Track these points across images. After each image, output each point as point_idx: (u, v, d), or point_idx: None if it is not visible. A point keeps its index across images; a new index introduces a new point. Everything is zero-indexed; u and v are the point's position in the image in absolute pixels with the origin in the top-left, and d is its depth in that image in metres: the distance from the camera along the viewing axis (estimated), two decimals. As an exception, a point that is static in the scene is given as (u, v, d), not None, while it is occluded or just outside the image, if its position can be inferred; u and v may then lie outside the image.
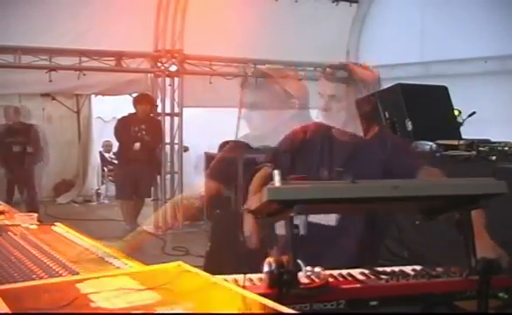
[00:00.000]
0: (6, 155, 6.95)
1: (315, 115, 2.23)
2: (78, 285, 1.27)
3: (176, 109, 7.72)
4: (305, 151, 2.22)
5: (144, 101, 7.17)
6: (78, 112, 10.31)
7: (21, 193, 7.10)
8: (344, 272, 1.64)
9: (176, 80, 7.68)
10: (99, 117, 10.40)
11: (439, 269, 1.64)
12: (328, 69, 2.08)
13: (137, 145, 7.04)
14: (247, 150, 7.30)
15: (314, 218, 2.07)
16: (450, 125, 4.92)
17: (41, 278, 1.40)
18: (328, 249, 2.07)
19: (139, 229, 7.21)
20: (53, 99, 9.59)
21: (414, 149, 2.45)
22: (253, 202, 1.55)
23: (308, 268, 1.47)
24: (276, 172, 1.48)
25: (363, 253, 2.10)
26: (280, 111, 2.09)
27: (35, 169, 7.29)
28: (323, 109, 2.09)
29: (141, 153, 7.05)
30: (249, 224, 2.14)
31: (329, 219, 2.11)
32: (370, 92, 2.08)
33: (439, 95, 5.15)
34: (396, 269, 1.69)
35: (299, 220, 1.44)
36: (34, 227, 2.10)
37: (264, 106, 2.07)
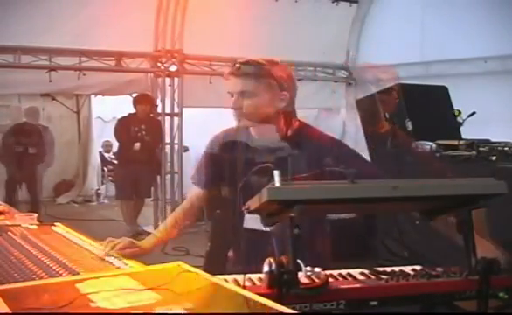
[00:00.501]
0: (19, 155, 6.97)
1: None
2: (78, 285, 1.27)
3: (176, 109, 7.72)
4: (224, 160, 2.11)
5: (144, 101, 7.17)
6: (78, 112, 10.31)
7: (30, 193, 7.12)
8: (344, 272, 1.64)
9: (176, 80, 7.67)
10: (99, 117, 10.41)
11: (439, 270, 1.64)
12: (236, 65, 2.00)
13: (137, 145, 7.04)
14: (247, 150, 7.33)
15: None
16: (450, 125, 4.93)
17: (41, 278, 1.41)
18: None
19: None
20: (53, 99, 9.59)
21: (342, 142, 2.24)
22: (253, 202, 1.54)
23: (308, 268, 1.47)
24: (276, 172, 1.48)
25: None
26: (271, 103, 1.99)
27: (39, 169, 7.30)
28: (234, 108, 2.01)
29: (141, 153, 7.05)
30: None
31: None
32: (284, 88, 2.01)
33: (439, 95, 5.15)
34: (396, 269, 1.69)
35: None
36: (34, 227, 2.11)
37: (254, 96, 1.98)
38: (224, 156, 2.11)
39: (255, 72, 1.96)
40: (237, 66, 1.99)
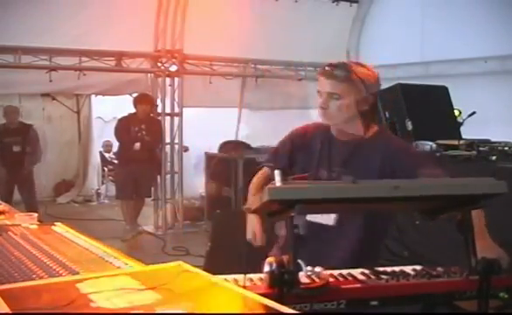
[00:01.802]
0: (6, 155, 6.93)
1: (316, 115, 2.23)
2: (78, 285, 1.27)
3: (176, 109, 7.72)
4: (304, 151, 2.22)
5: (144, 101, 7.16)
6: (78, 112, 10.31)
7: (21, 194, 7.08)
8: (345, 272, 1.64)
9: (176, 80, 7.68)
10: (99, 117, 10.41)
11: (440, 269, 1.64)
12: (327, 67, 2.08)
13: (137, 145, 7.03)
14: (247, 150, 7.32)
15: (313, 218, 2.07)
16: (450, 125, 4.92)
17: (41, 278, 1.40)
18: (327, 249, 2.07)
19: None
20: (53, 99, 9.59)
21: (416, 149, 2.42)
22: (254, 202, 1.55)
23: (309, 268, 1.47)
24: (277, 172, 1.48)
25: (362, 253, 2.10)
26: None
27: (34, 169, 7.27)
28: (321, 107, 2.08)
29: (142, 153, 7.04)
30: (252, 224, 2.14)
31: (328, 219, 2.11)
32: (370, 92, 2.08)
33: (439, 95, 5.15)
34: (396, 269, 1.69)
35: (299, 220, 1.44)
36: (34, 226, 2.11)
37: (340, 98, 2.07)
38: (304, 147, 2.21)
39: (344, 75, 2.03)
40: (328, 68, 2.07)
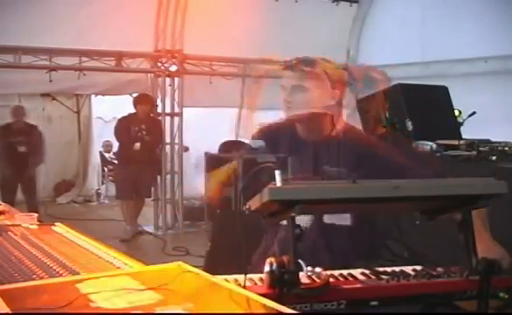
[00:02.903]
0: (11, 155, 6.93)
1: None
2: (78, 285, 1.26)
3: (176, 109, 7.72)
4: (272, 151, 2.14)
5: (144, 101, 7.17)
6: (78, 112, 10.32)
7: (24, 194, 7.08)
8: (345, 272, 1.64)
9: (176, 80, 7.68)
10: (99, 117, 10.42)
11: (440, 270, 1.64)
12: (291, 61, 2.05)
13: (137, 145, 7.04)
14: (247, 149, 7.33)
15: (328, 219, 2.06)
16: (450, 125, 4.92)
17: (41, 278, 1.40)
18: (343, 250, 2.06)
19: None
20: (53, 99, 9.60)
21: (385, 143, 2.33)
22: (254, 203, 1.55)
23: (309, 268, 1.47)
24: (277, 172, 1.48)
25: (371, 250, 2.10)
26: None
27: (36, 169, 7.27)
28: (285, 101, 2.05)
29: (142, 153, 7.04)
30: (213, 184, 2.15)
31: (345, 219, 2.09)
32: (335, 87, 2.04)
33: (440, 95, 5.14)
34: (396, 269, 1.69)
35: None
36: (34, 227, 2.10)
37: (305, 90, 2.03)
38: (267, 147, 2.13)
39: (309, 68, 2.00)
40: (293, 61, 2.04)
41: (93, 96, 9.46)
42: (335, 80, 2.03)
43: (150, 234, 7.49)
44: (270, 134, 2.18)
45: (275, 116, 2.37)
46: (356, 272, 1.64)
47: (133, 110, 7.20)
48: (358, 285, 1.53)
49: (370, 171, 1.93)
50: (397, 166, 1.98)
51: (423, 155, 4.18)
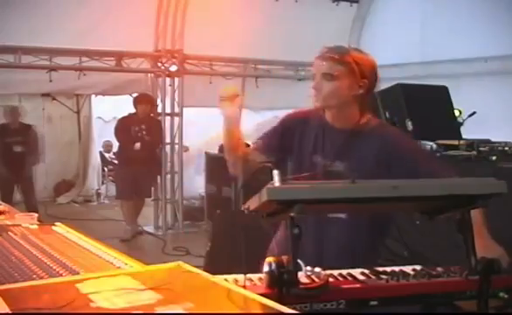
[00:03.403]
0: (6, 155, 6.93)
1: None
2: (78, 285, 1.27)
3: (176, 109, 7.72)
4: (297, 136, 2.18)
5: (144, 101, 7.17)
6: (78, 112, 10.32)
7: (21, 194, 7.08)
8: (344, 272, 1.64)
9: (177, 80, 7.68)
10: (99, 117, 10.42)
11: (440, 269, 1.64)
12: (323, 49, 2.06)
13: (137, 145, 7.04)
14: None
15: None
16: (450, 125, 4.92)
17: (41, 278, 1.40)
18: (338, 242, 2.07)
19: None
20: (53, 99, 9.60)
21: (415, 142, 2.39)
22: (252, 203, 1.55)
23: (308, 268, 1.47)
24: (276, 172, 1.48)
25: (370, 246, 2.10)
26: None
27: (34, 169, 7.27)
28: (314, 88, 2.05)
29: (142, 153, 7.05)
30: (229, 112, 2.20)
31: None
32: (365, 76, 2.05)
33: (440, 95, 5.14)
34: (396, 269, 1.69)
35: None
36: (34, 227, 2.11)
37: (335, 79, 2.04)
38: (297, 132, 2.18)
39: (339, 56, 2.01)
40: (324, 49, 2.05)
41: (93, 96, 9.46)
42: (365, 70, 2.03)
43: (150, 234, 7.49)
44: (296, 120, 2.21)
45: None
46: (356, 272, 1.64)
47: (133, 110, 7.20)
48: (358, 285, 1.54)
49: (397, 171, 1.93)
50: (425, 171, 1.98)
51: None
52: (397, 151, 2.05)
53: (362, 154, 2.04)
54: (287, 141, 2.19)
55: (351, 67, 2.01)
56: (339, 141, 2.08)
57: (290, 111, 2.29)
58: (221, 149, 7.77)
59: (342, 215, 2.07)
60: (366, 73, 2.04)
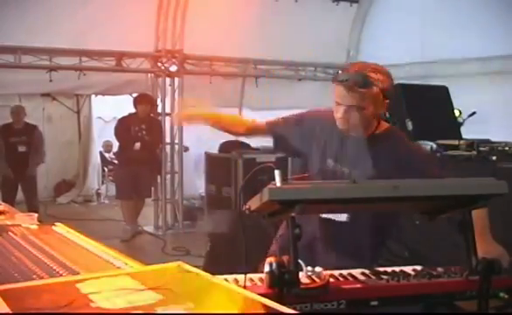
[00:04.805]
0: (11, 155, 6.93)
1: None
2: (78, 285, 1.27)
3: (176, 109, 7.71)
4: (313, 134, 2.19)
5: (144, 101, 7.17)
6: (78, 112, 10.32)
7: (24, 194, 7.08)
8: (345, 272, 1.64)
9: (177, 80, 7.68)
10: (99, 117, 10.41)
11: (440, 270, 1.64)
12: (344, 77, 2.01)
13: (137, 145, 7.04)
14: (247, 150, 7.33)
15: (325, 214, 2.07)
16: (450, 125, 4.92)
17: (41, 278, 1.40)
18: (339, 246, 2.07)
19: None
20: (53, 99, 9.60)
21: (427, 153, 2.42)
22: (254, 202, 1.55)
23: (309, 268, 1.47)
24: (277, 172, 1.48)
25: (372, 250, 2.10)
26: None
27: (30, 168, 7.27)
28: (342, 119, 2.04)
29: (142, 153, 7.04)
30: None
31: (341, 215, 2.10)
32: (387, 97, 2.05)
33: (440, 95, 5.15)
34: (396, 269, 1.69)
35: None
36: (34, 227, 2.10)
37: (361, 109, 2.05)
38: (311, 132, 2.20)
39: (363, 86, 1.99)
40: (346, 78, 2.01)
41: (93, 96, 9.45)
42: (386, 90, 2.04)
43: (150, 234, 7.49)
44: (310, 120, 2.24)
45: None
46: (356, 272, 1.64)
47: (133, 110, 7.20)
48: (358, 285, 1.54)
49: (405, 176, 1.94)
50: (431, 177, 1.98)
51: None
52: (410, 161, 2.07)
53: (375, 162, 2.05)
54: (299, 140, 2.22)
55: (375, 94, 2.00)
56: (354, 147, 2.10)
57: (311, 110, 2.31)
58: (221, 149, 7.82)
59: (345, 218, 2.08)
60: (388, 93, 2.05)
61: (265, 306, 1.15)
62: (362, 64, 2.09)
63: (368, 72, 2.01)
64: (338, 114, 2.05)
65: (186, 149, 8.07)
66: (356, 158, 2.07)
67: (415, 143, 2.41)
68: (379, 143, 2.09)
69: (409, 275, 1.61)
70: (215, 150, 7.85)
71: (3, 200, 4.01)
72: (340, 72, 2.12)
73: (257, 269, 1.61)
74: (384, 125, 2.16)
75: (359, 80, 1.99)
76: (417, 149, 2.35)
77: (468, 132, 4.88)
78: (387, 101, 2.05)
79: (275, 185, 1.46)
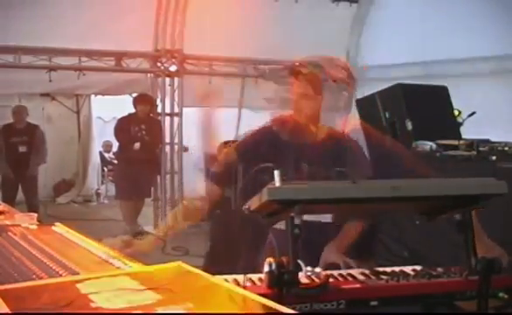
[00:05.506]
0: (11, 155, 6.92)
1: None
2: (78, 285, 1.27)
3: (176, 109, 7.72)
4: (254, 154, 2.22)
5: (144, 101, 7.17)
6: (78, 112, 10.31)
7: (25, 194, 7.08)
8: (344, 272, 1.64)
9: (176, 80, 7.68)
10: (99, 117, 10.41)
11: (440, 270, 1.64)
12: (300, 68, 2.06)
13: (137, 145, 7.04)
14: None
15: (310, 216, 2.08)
16: (450, 125, 4.92)
17: (41, 278, 1.40)
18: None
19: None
20: (53, 99, 9.59)
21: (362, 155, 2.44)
22: (254, 202, 1.55)
23: (309, 268, 1.47)
24: (276, 172, 1.48)
25: (360, 246, 2.11)
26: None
27: (31, 168, 7.27)
28: (295, 109, 2.08)
29: (141, 153, 7.04)
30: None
31: (326, 216, 2.12)
32: (342, 91, 2.08)
33: (439, 95, 5.14)
34: (396, 269, 1.69)
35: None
36: (34, 227, 2.10)
37: (313, 98, 2.05)
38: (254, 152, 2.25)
39: (315, 76, 2.02)
40: (298, 68, 2.05)
41: (92, 96, 9.45)
42: (342, 83, 2.06)
43: (150, 234, 7.48)
44: (287, 128, 2.22)
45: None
46: (356, 272, 1.64)
47: (133, 110, 7.20)
48: (358, 285, 1.54)
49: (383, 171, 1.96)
50: (407, 170, 2.01)
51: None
52: (380, 151, 2.11)
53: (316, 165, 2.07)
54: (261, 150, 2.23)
55: (328, 85, 2.03)
56: (290, 155, 2.11)
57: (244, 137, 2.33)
58: (220, 148, 7.81)
59: (329, 219, 2.10)
60: (343, 85, 2.08)
61: (264, 306, 1.15)
62: (320, 58, 2.13)
63: (322, 64, 2.07)
64: (292, 104, 2.09)
65: (186, 149, 8.07)
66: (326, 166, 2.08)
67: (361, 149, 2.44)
68: (320, 150, 2.13)
69: (408, 275, 1.61)
70: (215, 150, 7.84)
71: (3, 200, 4.01)
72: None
73: (255, 263, 1.62)
74: (350, 125, 2.24)
75: (310, 68, 2.05)
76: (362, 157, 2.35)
77: (468, 132, 4.87)
78: (344, 92, 2.09)
79: (274, 185, 1.46)
